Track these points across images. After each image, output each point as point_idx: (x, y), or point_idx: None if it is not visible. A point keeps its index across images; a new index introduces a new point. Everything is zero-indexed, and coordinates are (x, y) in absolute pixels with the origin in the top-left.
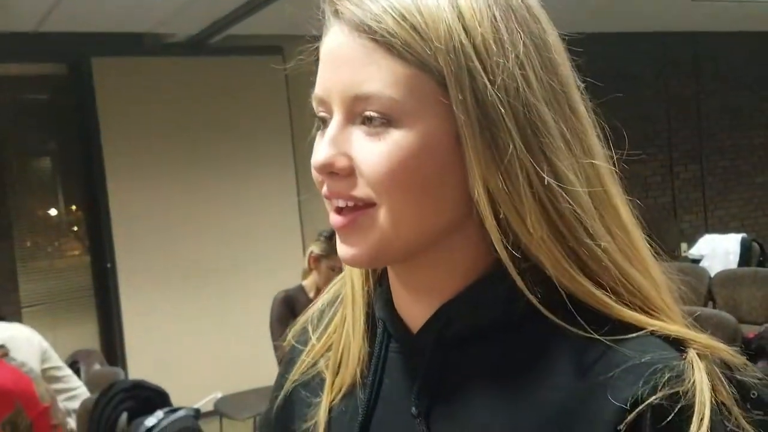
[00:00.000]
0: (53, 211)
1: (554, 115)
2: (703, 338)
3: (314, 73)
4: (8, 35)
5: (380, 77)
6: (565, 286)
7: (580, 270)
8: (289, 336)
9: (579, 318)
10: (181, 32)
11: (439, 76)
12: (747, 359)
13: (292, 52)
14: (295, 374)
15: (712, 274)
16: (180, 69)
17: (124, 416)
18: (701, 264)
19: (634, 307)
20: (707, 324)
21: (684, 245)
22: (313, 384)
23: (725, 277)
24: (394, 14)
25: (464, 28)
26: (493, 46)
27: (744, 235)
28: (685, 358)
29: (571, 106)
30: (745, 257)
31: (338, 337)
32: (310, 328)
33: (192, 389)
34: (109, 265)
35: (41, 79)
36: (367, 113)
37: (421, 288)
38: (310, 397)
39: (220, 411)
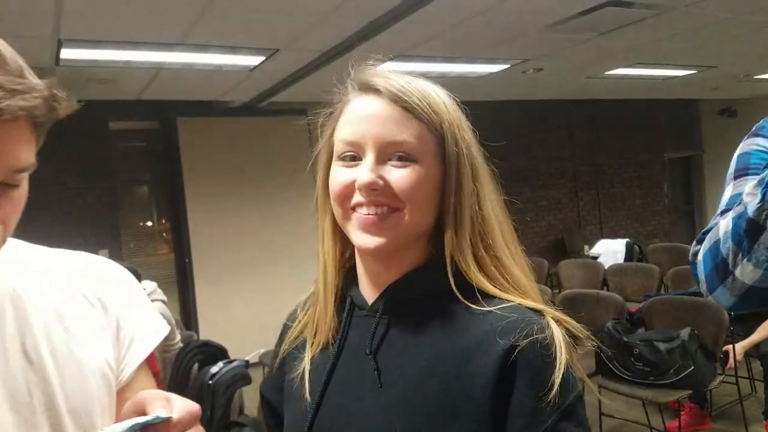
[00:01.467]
0: (149, 223)
1: (481, 168)
2: (554, 311)
3: (322, 126)
4: (119, 101)
5: (408, 131)
6: (469, 277)
7: (479, 268)
8: (284, 318)
9: (477, 298)
10: (237, 99)
11: (439, 136)
12: (630, 326)
13: (312, 113)
14: (285, 344)
15: (606, 267)
16: (237, 125)
17: (196, 366)
18: (599, 260)
19: (512, 292)
20: (604, 303)
21: (586, 247)
22: (298, 347)
23: (615, 269)
24: (416, 94)
25: (448, 111)
26: (462, 125)
27: (628, 239)
28: (544, 319)
29: (484, 161)
30: (629, 255)
31: (313, 311)
32: (298, 310)
33: (244, 347)
34: (187, 260)
35: (141, 132)
36: (398, 153)
37: (381, 273)
38: (297, 356)
39: (263, 362)
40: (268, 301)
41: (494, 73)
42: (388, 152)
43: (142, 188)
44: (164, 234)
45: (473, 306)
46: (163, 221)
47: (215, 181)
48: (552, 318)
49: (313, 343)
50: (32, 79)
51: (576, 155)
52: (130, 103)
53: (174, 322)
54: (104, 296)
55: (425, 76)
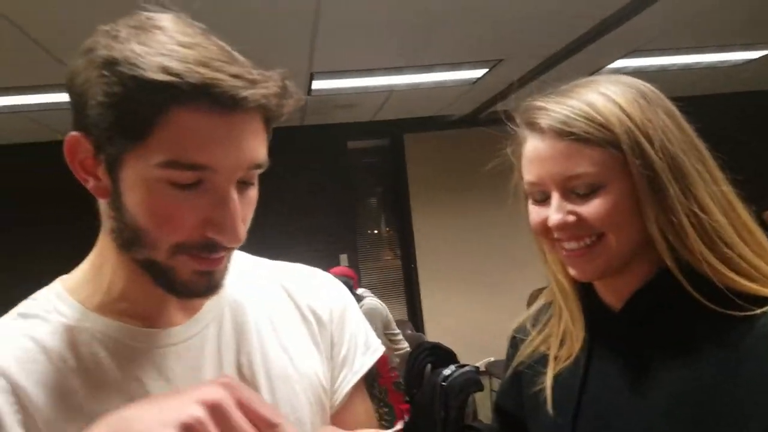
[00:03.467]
0: (375, 231)
1: (687, 159)
2: None
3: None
4: (356, 123)
5: (583, 162)
6: (717, 279)
7: (726, 266)
8: (512, 332)
9: (734, 300)
10: (457, 113)
11: (619, 152)
12: None
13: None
14: (520, 357)
15: None
16: (457, 137)
17: (428, 367)
18: None
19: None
20: None
21: None
22: (537, 361)
23: None
24: (582, 119)
25: (627, 116)
26: (646, 123)
27: None
28: None
29: (697, 148)
30: None
31: (557, 326)
32: (528, 324)
33: (468, 352)
34: (413, 266)
35: (373, 149)
36: (580, 187)
37: (616, 283)
38: (536, 371)
39: (490, 371)
40: (498, 306)
41: (753, 60)
42: (570, 186)
43: (372, 200)
44: (391, 241)
45: (732, 312)
46: (387, 229)
47: (438, 189)
48: None
49: (557, 356)
50: (263, 72)
51: None
52: (365, 124)
53: (393, 323)
54: (319, 310)
55: (664, 68)
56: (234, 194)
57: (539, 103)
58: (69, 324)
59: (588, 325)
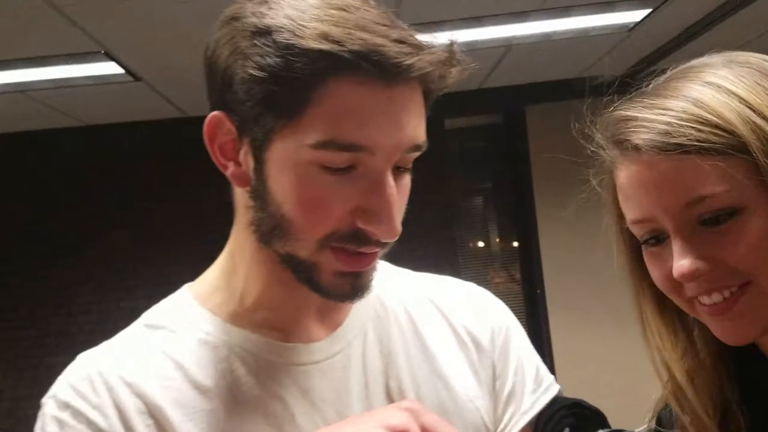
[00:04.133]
0: (480, 243)
1: None
2: None
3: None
4: (456, 94)
5: (707, 180)
6: None
7: None
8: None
9: None
10: (605, 74)
11: (749, 155)
12: None
13: None
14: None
15: None
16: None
17: (567, 430)
18: None
19: None
20: None
21: None
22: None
23: None
24: (690, 123)
25: (750, 107)
26: None
27: None
28: None
29: None
30: None
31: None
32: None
33: (625, 414)
34: (539, 291)
35: (479, 129)
36: (707, 215)
37: None
38: None
39: None
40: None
41: None
42: (693, 216)
43: (476, 200)
44: (506, 257)
45: None
46: (498, 240)
47: (574, 184)
48: None
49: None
50: (427, 37)
51: None
52: (469, 95)
53: None
54: (478, 333)
55: None
56: (391, 179)
57: (626, 113)
58: (203, 337)
59: (749, 405)
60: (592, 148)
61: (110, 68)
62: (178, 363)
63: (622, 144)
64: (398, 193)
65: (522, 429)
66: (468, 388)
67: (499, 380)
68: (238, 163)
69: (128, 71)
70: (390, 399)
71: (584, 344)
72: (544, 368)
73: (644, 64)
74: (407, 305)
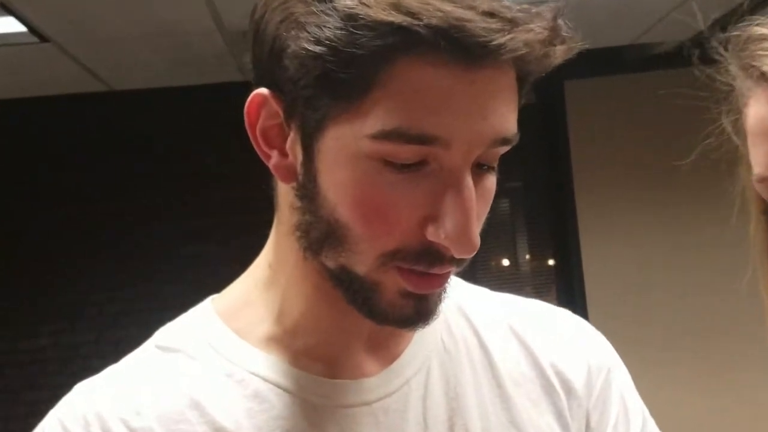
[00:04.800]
0: (506, 262)
1: None
2: None
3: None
4: None
5: None
6: None
7: None
8: None
9: None
10: (669, 39)
11: None
12: None
13: None
14: None
15: None
16: (667, 84)
17: None
18: None
19: None
20: None
21: None
22: None
23: None
24: None
25: None
26: None
27: None
28: None
29: None
30: None
31: None
32: None
33: None
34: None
35: None
36: None
37: None
38: None
39: None
40: (738, 393)
41: None
42: None
43: (503, 202)
44: (541, 277)
45: None
46: (527, 257)
47: (632, 183)
48: None
49: None
50: (526, 7)
51: None
52: None
53: None
54: (570, 374)
55: None
56: (470, 180)
57: (763, 30)
58: (228, 367)
59: None
60: (720, 78)
61: (9, 25)
62: (195, 400)
63: (748, 71)
64: (479, 197)
65: None
66: None
67: (591, 429)
68: (284, 153)
69: (32, 30)
70: None
71: (642, 381)
72: (652, 423)
73: (716, 28)
74: (482, 335)
